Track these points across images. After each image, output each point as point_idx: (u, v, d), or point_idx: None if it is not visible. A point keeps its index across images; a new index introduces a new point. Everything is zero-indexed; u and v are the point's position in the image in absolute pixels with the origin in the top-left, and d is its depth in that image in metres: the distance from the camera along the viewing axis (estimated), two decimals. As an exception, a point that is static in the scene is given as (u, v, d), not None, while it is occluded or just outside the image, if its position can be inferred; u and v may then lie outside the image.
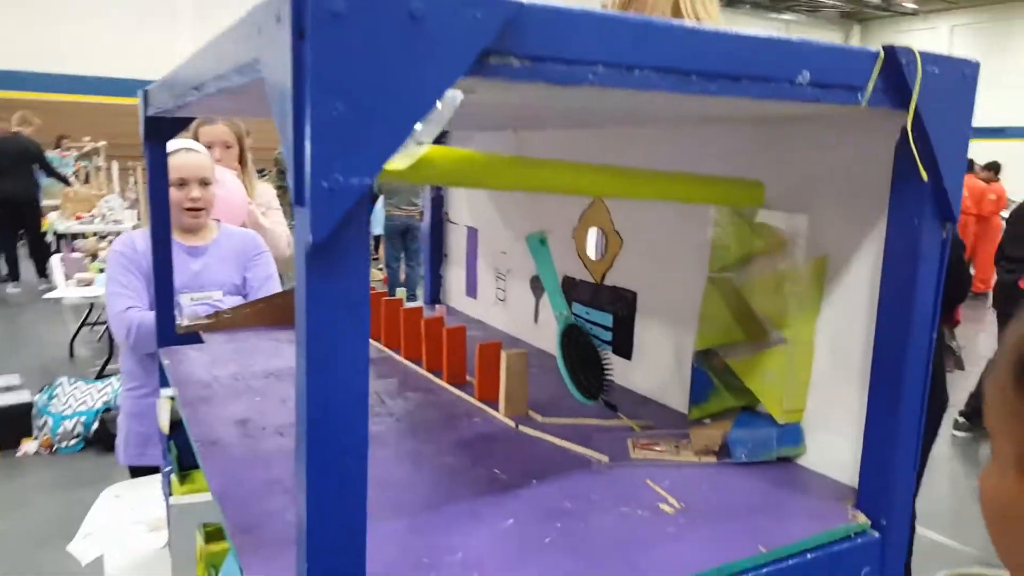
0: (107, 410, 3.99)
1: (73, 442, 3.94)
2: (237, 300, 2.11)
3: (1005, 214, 9.09)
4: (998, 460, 0.51)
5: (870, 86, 0.59)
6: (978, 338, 6.97)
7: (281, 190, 3.66)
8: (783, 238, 0.85)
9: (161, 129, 1.42)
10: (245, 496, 0.79)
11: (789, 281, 0.85)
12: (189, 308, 2.04)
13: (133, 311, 1.99)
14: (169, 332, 1.49)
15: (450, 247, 1.82)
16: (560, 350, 1.01)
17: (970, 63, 0.63)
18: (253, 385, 1.16)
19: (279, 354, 1.35)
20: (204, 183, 2.14)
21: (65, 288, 4.76)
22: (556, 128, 1.26)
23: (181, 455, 1.41)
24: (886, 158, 0.72)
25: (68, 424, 3.94)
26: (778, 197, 0.87)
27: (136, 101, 1.39)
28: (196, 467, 1.43)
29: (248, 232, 2.38)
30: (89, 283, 4.77)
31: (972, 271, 8.45)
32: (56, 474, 3.72)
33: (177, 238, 2.20)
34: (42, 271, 7.88)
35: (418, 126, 0.64)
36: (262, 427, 0.99)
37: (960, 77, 0.63)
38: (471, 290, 1.71)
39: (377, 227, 7.94)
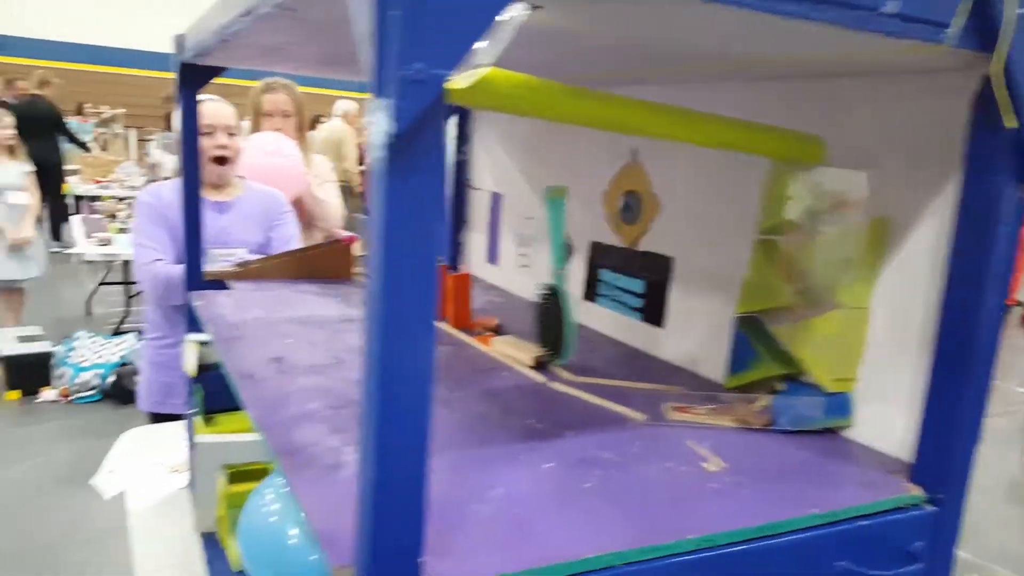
0: (123, 364, 4.02)
1: (90, 393, 3.98)
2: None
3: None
4: None
5: (958, 21, 0.56)
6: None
7: None
8: (841, 198, 0.82)
9: (195, 76, 1.41)
10: (283, 424, 0.78)
11: (846, 244, 0.82)
12: (213, 264, 2.04)
13: (159, 264, 1.99)
14: (197, 277, 1.48)
15: (471, 213, 1.80)
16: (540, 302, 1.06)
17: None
18: (282, 329, 1.15)
19: (304, 304, 1.34)
20: (230, 132, 2.12)
21: (86, 245, 4.78)
22: (608, 87, 1.24)
23: (207, 398, 1.41)
24: (957, 115, 0.69)
25: (85, 376, 3.97)
26: (837, 155, 0.84)
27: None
28: (221, 411, 1.43)
29: (273, 191, 2.37)
30: (108, 242, 4.79)
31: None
32: (73, 422, 3.78)
33: (203, 193, 2.19)
34: (56, 234, 7.82)
35: (479, 45, 0.62)
36: (295, 365, 0.97)
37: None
38: (492, 256, 1.69)
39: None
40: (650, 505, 0.66)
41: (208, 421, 1.40)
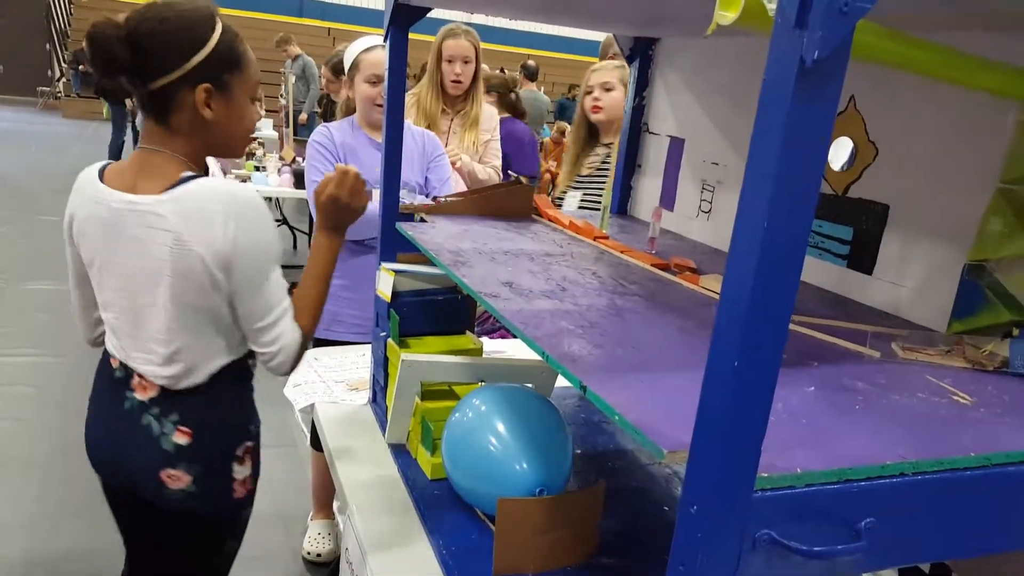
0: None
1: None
2: (420, 199, 2.21)
3: None
4: None
5: None
6: None
7: None
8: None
9: (407, 16, 1.48)
10: (549, 337, 0.85)
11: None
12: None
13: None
14: (394, 211, 1.58)
15: (645, 158, 1.84)
16: None
17: None
18: (497, 258, 1.23)
19: (502, 238, 1.42)
20: None
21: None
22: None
23: (401, 323, 1.52)
24: None
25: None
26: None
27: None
28: (412, 335, 1.54)
29: (427, 132, 2.46)
30: (247, 179, 5.05)
31: None
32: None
33: (368, 133, 2.31)
34: None
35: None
36: (528, 289, 1.05)
37: None
38: (668, 202, 1.73)
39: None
40: (922, 426, 0.71)
41: (401, 344, 1.52)
